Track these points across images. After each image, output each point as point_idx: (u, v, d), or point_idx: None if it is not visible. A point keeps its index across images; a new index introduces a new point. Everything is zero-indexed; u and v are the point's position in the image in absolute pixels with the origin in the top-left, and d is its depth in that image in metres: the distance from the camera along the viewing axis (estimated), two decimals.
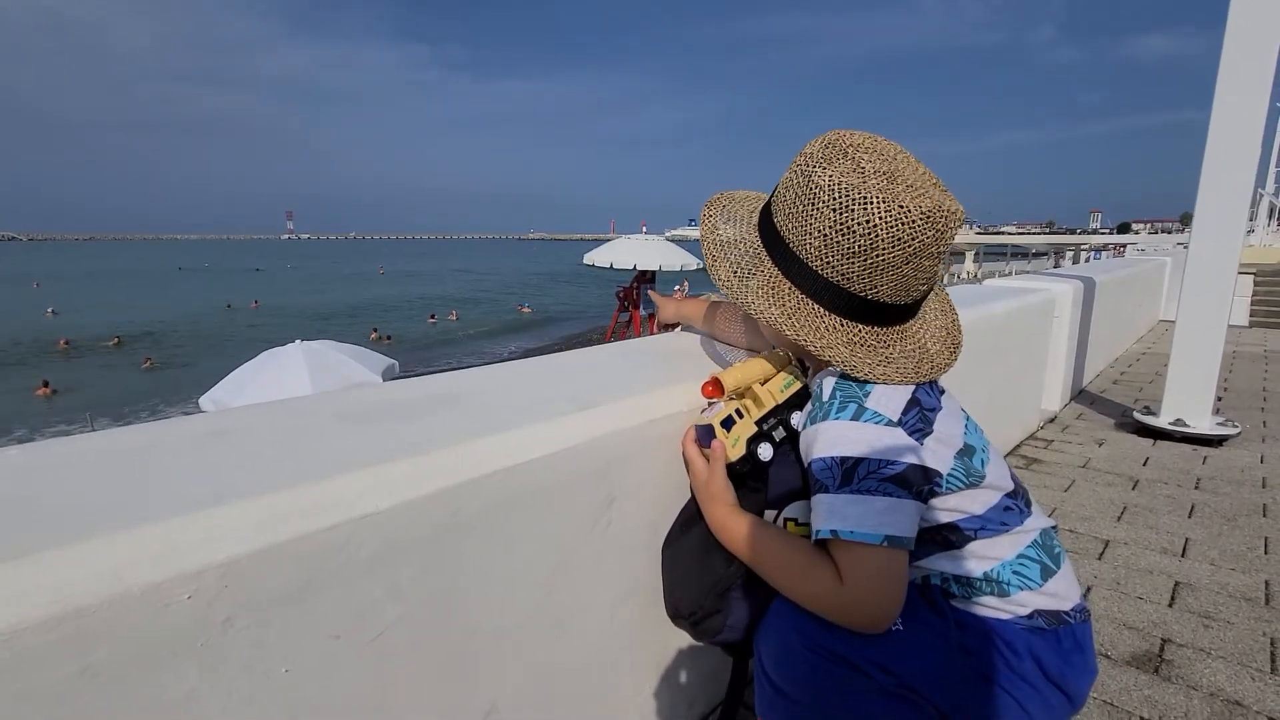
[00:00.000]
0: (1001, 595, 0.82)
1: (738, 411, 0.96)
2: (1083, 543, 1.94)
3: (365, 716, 0.73)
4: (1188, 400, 2.86)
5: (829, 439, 0.80)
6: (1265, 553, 1.86)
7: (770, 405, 0.96)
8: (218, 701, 0.61)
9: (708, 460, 0.94)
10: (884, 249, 0.77)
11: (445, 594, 0.78)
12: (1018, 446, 2.82)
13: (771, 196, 0.89)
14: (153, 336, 24.55)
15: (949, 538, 0.83)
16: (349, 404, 0.94)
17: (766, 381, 0.98)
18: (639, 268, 15.48)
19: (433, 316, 30.99)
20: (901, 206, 0.76)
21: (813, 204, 0.79)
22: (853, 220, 0.77)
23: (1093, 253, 29.14)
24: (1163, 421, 2.88)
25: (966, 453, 0.83)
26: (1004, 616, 0.82)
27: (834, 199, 0.77)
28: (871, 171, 0.78)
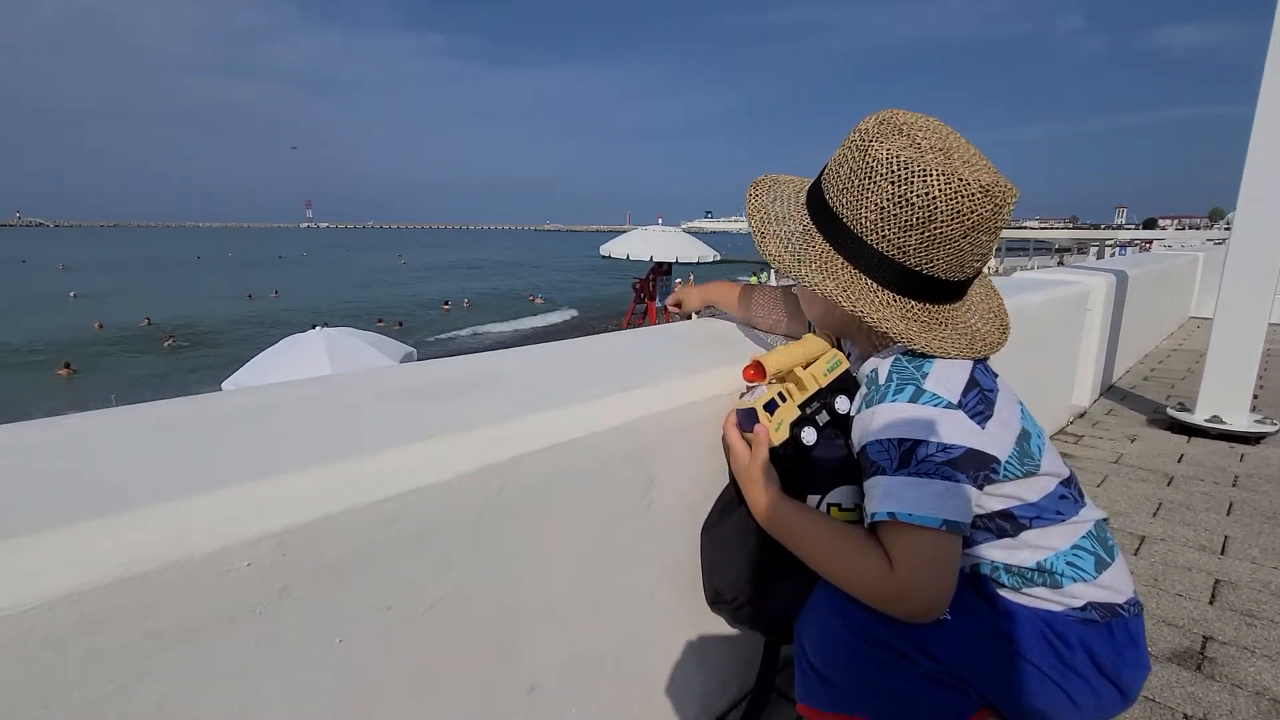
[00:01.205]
0: (1054, 586, 0.81)
1: (780, 395, 0.94)
2: (1118, 538, 1.89)
3: (413, 689, 0.73)
4: (1224, 397, 2.79)
5: (886, 421, 0.78)
6: None
7: (814, 389, 0.94)
8: (275, 669, 0.61)
9: (749, 445, 0.93)
10: (942, 221, 0.76)
11: (491, 571, 0.78)
12: None
13: (821, 175, 0.88)
14: (177, 325, 24.97)
15: (1003, 526, 0.81)
16: (392, 381, 0.94)
17: (809, 364, 0.97)
18: (655, 259, 15.42)
19: (446, 304, 31.64)
20: (961, 179, 0.75)
21: (869, 177, 0.78)
22: (911, 192, 0.76)
23: (1118, 249, 28.55)
24: (1198, 418, 2.81)
25: (1024, 438, 0.81)
26: (1055, 608, 0.81)
27: (892, 171, 0.76)
28: (928, 147, 0.78)
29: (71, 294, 34.94)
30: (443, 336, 23.27)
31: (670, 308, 1.54)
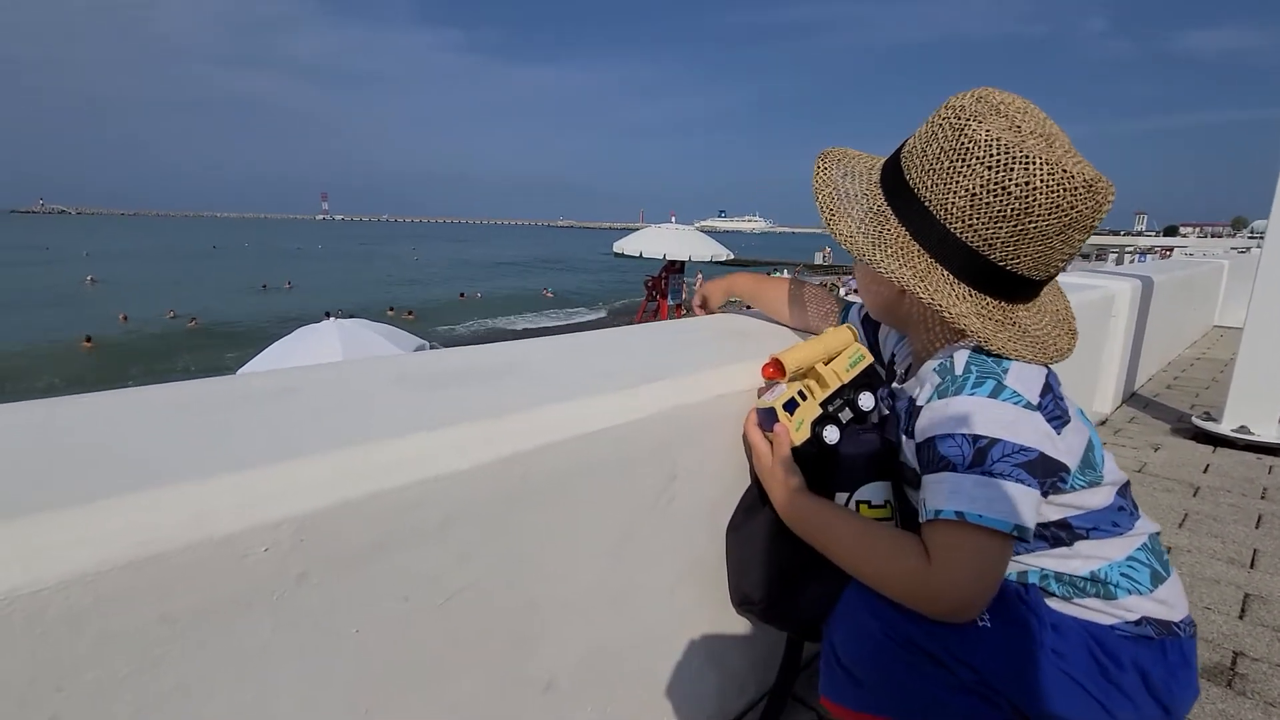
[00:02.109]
0: (1107, 598, 0.77)
1: (800, 393, 0.91)
2: None
3: (429, 680, 0.71)
4: (1253, 407, 2.72)
5: (963, 413, 0.73)
6: None
7: (835, 386, 0.91)
8: (290, 656, 0.59)
9: (771, 444, 0.90)
10: (1039, 214, 0.71)
11: (511, 562, 0.76)
12: None
13: (900, 152, 0.81)
14: (194, 313, 25.27)
15: (1059, 534, 0.78)
16: (414, 367, 0.93)
17: (831, 360, 0.94)
18: (668, 257, 15.38)
19: (461, 295, 32.38)
20: (1065, 171, 0.69)
21: (963, 160, 0.72)
22: (1010, 180, 0.70)
23: (1138, 255, 28.14)
24: (1225, 428, 2.75)
25: (1090, 447, 0.78)
26: (1109, 621, 0.77)
27: (990, 155, 0.70)
28: (1029, 131, 0.71)
29: (89, 278, 35.65)
30: (457, 329, 23.40)
31: (695, 308, 1.51)
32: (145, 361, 17.53)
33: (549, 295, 34.45)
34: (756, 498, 0.94)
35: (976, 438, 0.71)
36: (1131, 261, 23.32)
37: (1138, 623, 0.76)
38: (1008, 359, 0.76)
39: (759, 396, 0.98)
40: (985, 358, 0.77)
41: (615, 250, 16.46)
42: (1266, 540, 1.92)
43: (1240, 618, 1.52)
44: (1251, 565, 1.77)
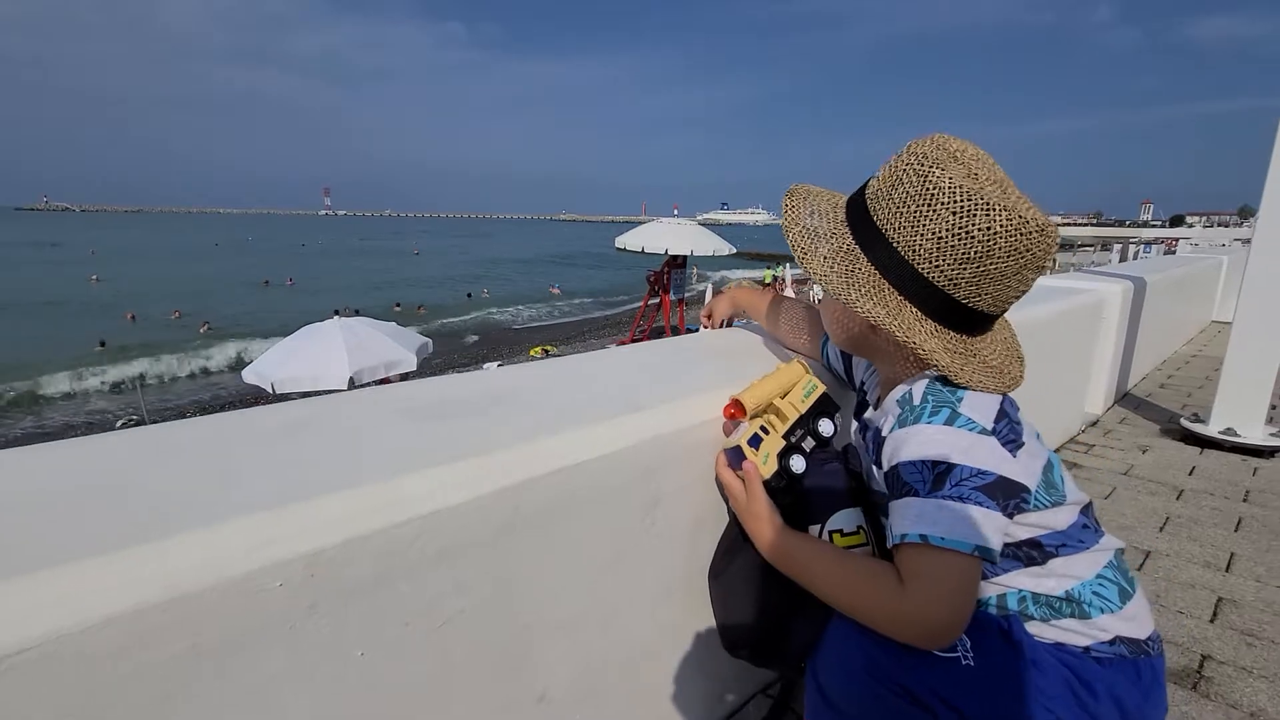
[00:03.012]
0: (1083, 618, 0.80)
1: (763, 428, 0.96)
2: None
3: (427, 698, 0.78)
4: (1240, 408, 2.77)
5: (920, 442, 0.77)
6: None
7: (794, 417, 0.96)
8: (302, 680, 0.66)
9: (744, 483, 0.93)
10: (1000, 256, 0.76)
11: (505, 587, 0.83)
12: (1058, 450, 2.78)
13: (864, 193, 0.85)
14: (192, 309, 25.43)
15: (1031, 554, 0.82)
16: (413, 399, 0.99)
17: (787, 394, 0.98)
18: (670, 252, 15.40)
19: (469, 295, 32.68)
20: (1021, 217, 0.75)
21: (930, 205, 0.76)
22: (973, 225, 0.75)
23: (1143, 246, 27.99)
24: (1212, 430, 2.80)
25: (1047, 468, 0.82)
26: (1084, 643, 0.80)
27: (955, 201, 0.75)
28: (985, 179, 0.77)
29: (93, 277, 35.98)
30: (464, 332, 23.49)
31: (702, 320, 1.57)
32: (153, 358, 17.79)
33: (555, 292, 34.55)
34: (737, 536, 0.96)
35: (935, 463, 0.75)
36: (1136, 254, 23.21)
37: (1111, 642, 0.80)
38: (963, 389, 0.81)
39: (726, 436, 1.03)
40: (941, 388, 0.82)
41: (617, 245, 16.49)
42: (1244, 544, 1.97)
43: (1211, 621, 1.58)
44: (1227, 569, 1.83)
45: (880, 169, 0.84)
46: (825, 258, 0.85)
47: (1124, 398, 3.61)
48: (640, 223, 17.70)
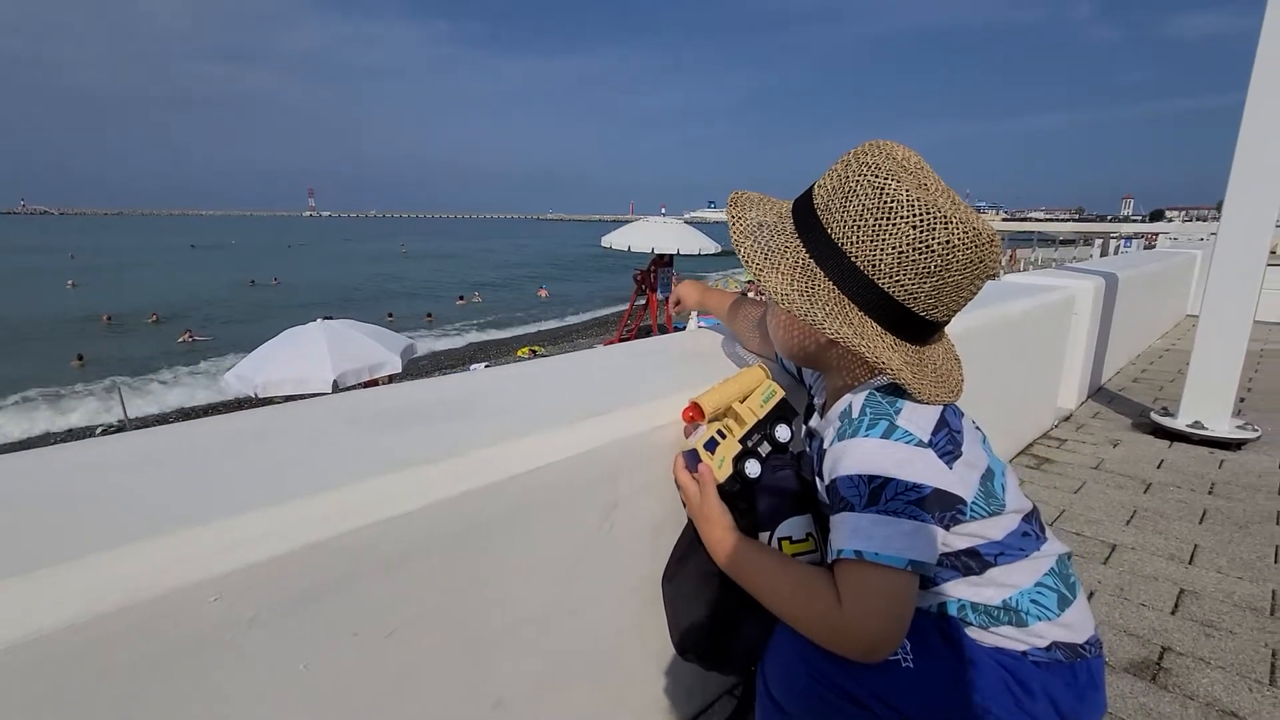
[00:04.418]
0: (1020, 625, 0.81)
1: (719, 432, 0.97)
2: (1089, 546, 1.95)
3: (380, 706, 0.77)
4: (1207, 401, 2.82)
5: (857, 456, 0.78)
6: (1275, 561, 1.85)
7: (752, 422, 0.97)
8: (243, 692, 0.65)
9: (699, 486, 0.94)
10: (957, 270, 0.76)
11: (458, 594, 0.83)
12: (1030, 445, 2.81)
13: (812, 204, 0.82)
14: (179, 315, 25.11)
15: (969, 563, 0.82)
16: (369, 407, 0.98)
17: (746, 399, 0.99)
18: (656, 251, 15.42)
19: (461, 298, 32.19)
20: (975, 229, 0.75)
21: (888, 218, 0.75)
22: (933, 239, 0.74)
23: (1123, 241, 28.39)
24: (1180, 423, 2.85)
25: (988, 476, 0.82)
26: (1021, 648, 0.81)
27: (913, 215, 0.74)
28: (935, 190, 0.77)
29: (70, 283, 35.49)
30: (461, 328, 23.31)
31: (671, 307, 1.58)
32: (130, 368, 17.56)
33: (544, 294, 34.42)
34: (693, 540, 0.97)
35: (871, 478, 0.76)
36: (1116, 248, 23.54)
37: (1048, 648, 0.81)
38: (901, 400, 0.81)
39: (686, 438, 1.03)
40: (880, 400, 0.82)
41: (603, 244, 16.48)
42: (1208, 536, 2.01)
43: (1173, 613, 1.61)
44: (1190, 561, 1.86)
45: (825, 178, 0.82)
46: (782, 274, 0.82)
47: (1098, 392, 3.66)
48: (627, 222, 17.70)
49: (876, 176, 0.76)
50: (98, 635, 0.56)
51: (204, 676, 0.62)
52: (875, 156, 0.78)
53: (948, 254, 0.75)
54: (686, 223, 17.47)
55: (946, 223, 0.74)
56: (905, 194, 0.75)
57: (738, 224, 0.89)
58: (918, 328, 0.81)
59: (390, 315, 23.93)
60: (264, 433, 0.87)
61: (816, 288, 0.80)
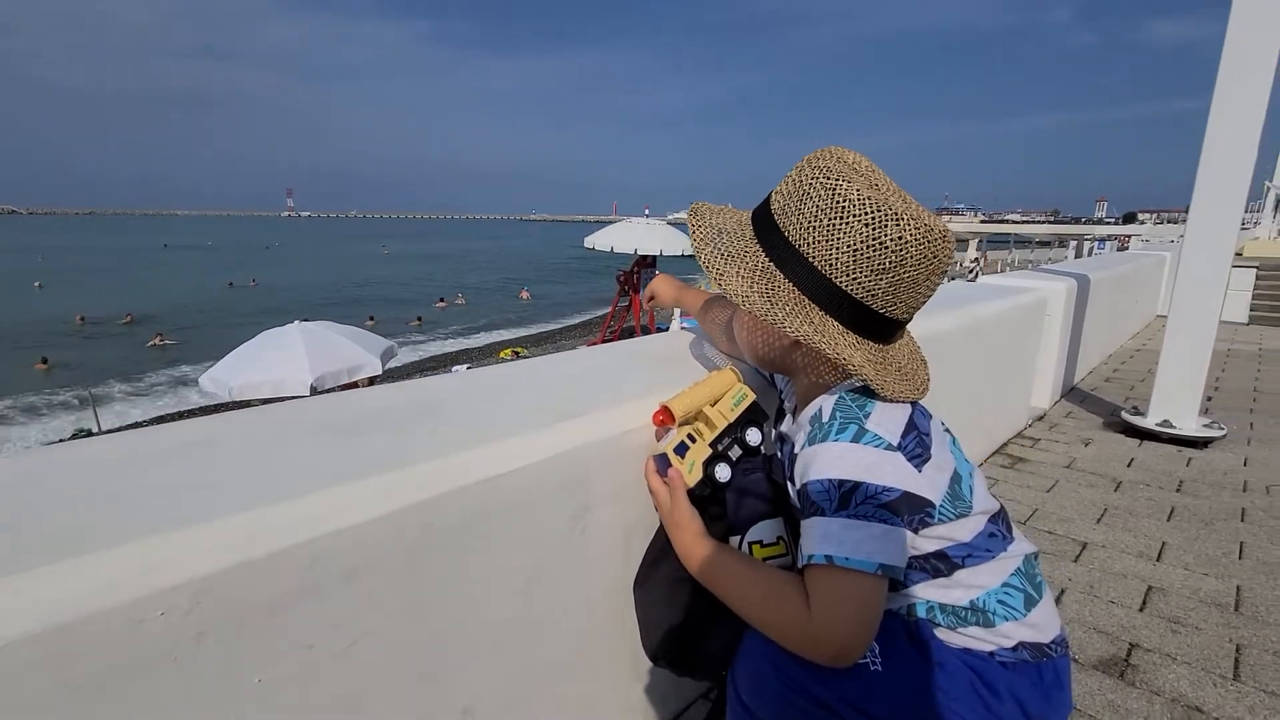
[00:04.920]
0: (987, 625, 0.82)
1: (690, 436, 0.96)
2: (1061, 545, 1.97)
3: (343, 719, 0.76)
4: (1176, 400, 2.88)
5: (827, 460, 0.78)
6: (1240, 558, 1.89)
7: (722, 425, 0.96)
8: (195, 711, 0.63)
9: (669, 490, 0.94)
10: (912, 265, 0.78)
11: (420, 601, 0.81)
12: (1004, 445, 2.85)
13: (769, 209, 0.85)
14: (151, 317, 24.62)
15: (937, 565, 0.82)
16: (331, 413, 0.96)
17: (716, 402, 0.99)
18: (639, 252, 15.42)
19: (441, 301, 31.66)
20: (926, 225, 0.77)
21: (842, 217, 0.77)
22: (885, 236, 0.76)
23: (1097, 243, 29.00)
24: (1150, 422, 2.90)
25: (956, 479, 0.83)
26: (988, 648, 0.82)
27: (866, 213, 0.76)
28: (886, 189, 0.79)
29: (36, 284, 34.66)
30: (437, 333, 23.02)
31: (645, 302, 1.58)
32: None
33: (525, 296, 34.22)
34: (664, 545, 0.97)
35: (841, 482, 0.76)
36: (1090, 250, 24.02)
37: (1014, 648, 0.82)
38: (870, 403, 0.82)
39: (657, 442, 1.03)
40: (850, 403, 0.82)
41: (586, 245, 16.45)
42: (1175, 533, 2.05)
43: (1141, 610, 1.64)
44: (1158, 558, 1.90)
45: (781, 184, 0.85)
46: (742, 277, 0.84)
47: (1070, 392, 3.72)
48: (611, 222, 17.69)
49: (829, 179, 0.79)
50: (23, 660, 0.53)
51: (150, 697, 0.60)
52: (827, 161, 0.81)
53: (901, 250, 0.77)
54: (670, 224, 17.50)
55: (898, 220, 0.76)
56: (857, 194, 0.77)
57: (697, 231, 0.91)
58: (878, 325, 0.82)
59: (372, 319, 23.22)
60: (210, 441, 0.84)
61: (777, 289, 0.82)
